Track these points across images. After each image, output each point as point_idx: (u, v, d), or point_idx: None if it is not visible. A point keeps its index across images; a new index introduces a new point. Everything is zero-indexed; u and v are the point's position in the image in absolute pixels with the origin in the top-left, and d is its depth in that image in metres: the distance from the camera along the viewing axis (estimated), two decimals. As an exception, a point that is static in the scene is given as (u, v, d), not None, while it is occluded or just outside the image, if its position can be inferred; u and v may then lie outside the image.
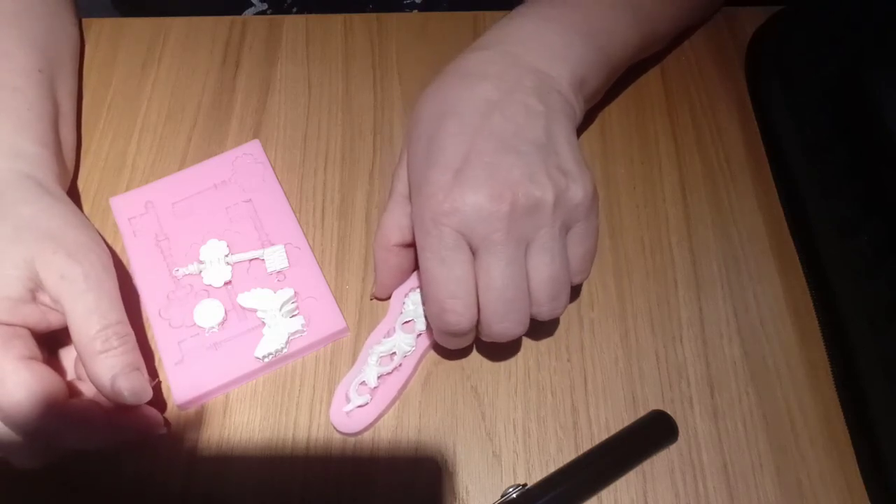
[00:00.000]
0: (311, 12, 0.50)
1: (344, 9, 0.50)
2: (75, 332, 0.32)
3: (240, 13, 0.53)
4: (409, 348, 0.37)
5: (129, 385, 0.32)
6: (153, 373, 0.37)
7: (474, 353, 0.38)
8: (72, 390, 0.34)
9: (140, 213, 0.41)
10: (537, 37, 0.36)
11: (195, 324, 0.37)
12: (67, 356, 0.36)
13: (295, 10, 0.54)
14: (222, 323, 0.38)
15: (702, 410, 0.37)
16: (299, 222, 0.41)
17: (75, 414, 0.32)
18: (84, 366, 0.32)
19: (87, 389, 0.35)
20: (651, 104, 0.46)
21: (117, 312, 0.33)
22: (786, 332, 0.38)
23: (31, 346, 0.33)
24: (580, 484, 0.34)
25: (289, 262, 0.39)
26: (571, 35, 0.36)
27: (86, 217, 0.37)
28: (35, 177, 0.37)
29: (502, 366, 0.38)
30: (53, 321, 0.34)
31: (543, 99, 0.33)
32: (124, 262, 0.40)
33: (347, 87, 0.47)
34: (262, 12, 0.54)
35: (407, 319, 0.38)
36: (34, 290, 0.33)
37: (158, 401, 0.37)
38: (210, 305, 0.38)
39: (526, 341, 0.38)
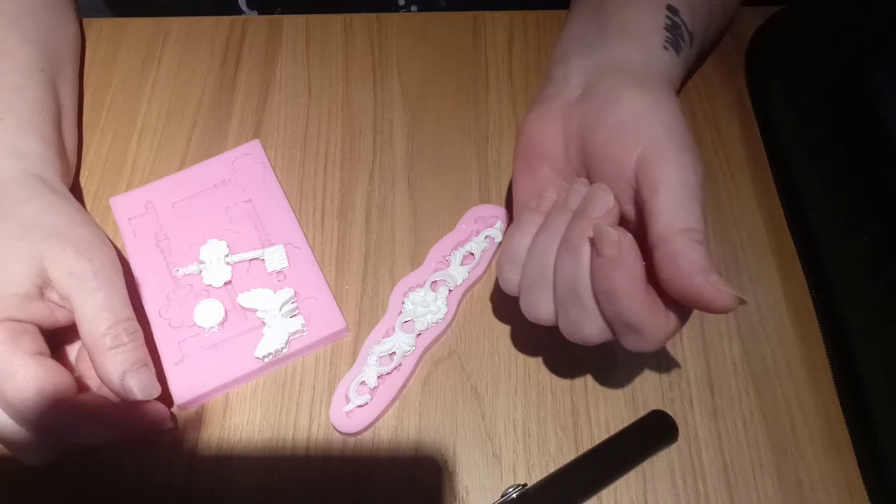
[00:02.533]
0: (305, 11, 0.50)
1: (343, 10, 0.50)
2: (85, 329, 0.33)
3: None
4: (408, 348, 0.37)
5: (139, 382, 0.32)
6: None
7: (474, 354, 0.38)
8: (80, 386, 0.34)
9: (140, 213, 0.41)
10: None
11: (195, 324, 0.37)
12: (72, 353, 0.36)
13: (279, 9, 0.54)
14: (222, 323, 0.38)
15: (702, 410, 0.37)
16: (299, 222, 0.41)
17: (84, 409, 0.32)
18: (93, 362, 0.33)
19: (92, 385, 0.35)
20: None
21: (126, 309, 0.34)
22: (786, 332, 0.38)
23: (40, 343, 0.33)
24: (580, 484, 0.34)
25: (289, 262, 0.39)
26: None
27: (90, 215, 0.38)
28: (40, 175, 0.37)
29: (502, 366, 0.38)
30: (61, 318, 0.34)
31: None
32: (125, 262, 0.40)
33: (347, 87, 0.47)
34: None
35: (406, 319, 0.38)
36: (42, 286, 0.33)
37: (162, 395, 0.37)
38: (210, 305, 0.38)
39: (526, 340, 0.38)
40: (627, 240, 0.27)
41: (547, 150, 0.33)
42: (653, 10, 0.35)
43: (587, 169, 0.32)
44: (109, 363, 0.32)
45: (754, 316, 0.39)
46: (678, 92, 0.37)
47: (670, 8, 0.36)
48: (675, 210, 0.28)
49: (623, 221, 0.31)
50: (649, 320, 0.28)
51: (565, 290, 0.30)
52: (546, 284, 0.30)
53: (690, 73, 0.46)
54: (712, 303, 0.26)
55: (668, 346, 0.38)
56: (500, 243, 0.40)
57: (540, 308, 0.31)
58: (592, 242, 0.28)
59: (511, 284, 0.32)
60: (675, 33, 0.35)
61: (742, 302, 0.27)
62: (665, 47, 0.34)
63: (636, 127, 0.30)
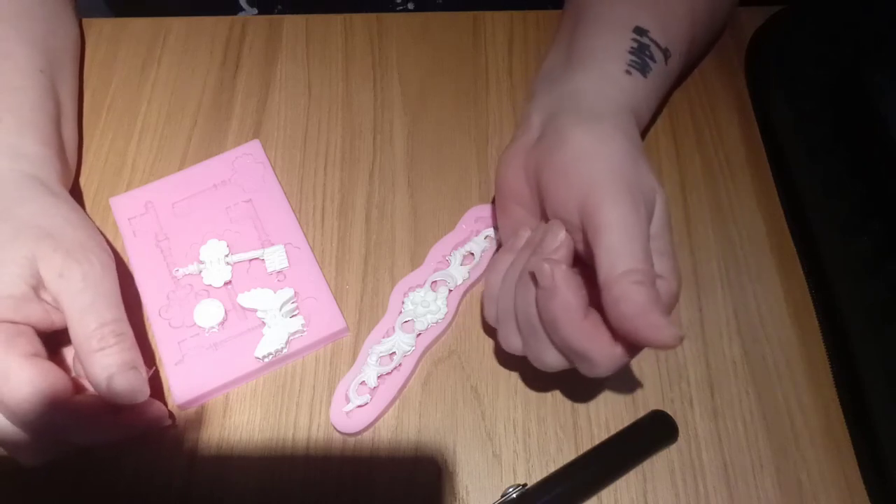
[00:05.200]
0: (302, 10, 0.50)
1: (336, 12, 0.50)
2: (73, 330, 0.33)
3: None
4: (408, 348, 0.37)
5: (125, 383, 0.32)
6: (150, 365, 0.37)
7: (474, 354, 0.38)
8: (76, 387, 0.34)
9: (140, 213, 0.41)
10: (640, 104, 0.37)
11: (195, 324, 0.37)
12: (70, 355, 0.36)
13: (279, 7, 0.54)
14: (222, 323, 0.38)
15: (702, 410, 0.37)
16: (299, 222, 0.41)
17: (80, 410, 0.32)
18: (81, 364, 0.33)
19: (89, 386, 0.35)
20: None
21: (114, 311, 0.33)
22: (786, 332, 0.38)
23: (36, 344, 0.33)
24: (580, 484, 0.34)
25: (289, 262, 0.39)
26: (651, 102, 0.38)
27: (88, 217, 0.37)
28: (37, 176, 0.37)
29: (502, 366, 0.38)
30: (57, 320, 0.34)
31: None
32: (124, 262, 0.40)
33: (347, 87, 0.47)
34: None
35: (406, 319, 0.38)
36: (37, 288, 0.33)
37: (156, 391, 0.37)
38: (210, 305, 0.38)
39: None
40: (560, 272, 0.29)
41: (515, 191, 0.35)
42: (617, 35, 0.36)
43: (545, 210, 0.33)
44: (95, 365, 0.32)
45: (754, 316, 0.39)
46: (653, 110, 0.38)
47: (637, 30, 0.36)
48: (616, 253, 0.29)
49: (582, 259, 0.32)
50: (592, 347, 0.29)
51: (524, 322, 0.32)
52: (513, 318, 0.32)
53: (684, 77, 0.46)
54: (654, 343, 0.28)
55: (668, 346, 0.38)
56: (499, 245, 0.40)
57: (510, 340, 0.33)
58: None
59: (491, 318, 0.34)
60: (641, 55, 0.36)
61: (680, 342, 0.28)
62: (628, 72, 0.35)
63: (577, 170, 0.31)
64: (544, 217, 0.34)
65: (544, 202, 0.33)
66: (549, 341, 0.31)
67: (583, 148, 0.31)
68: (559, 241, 0.31)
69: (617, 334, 0.29)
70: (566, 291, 0.29)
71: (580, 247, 0.31)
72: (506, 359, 0.38)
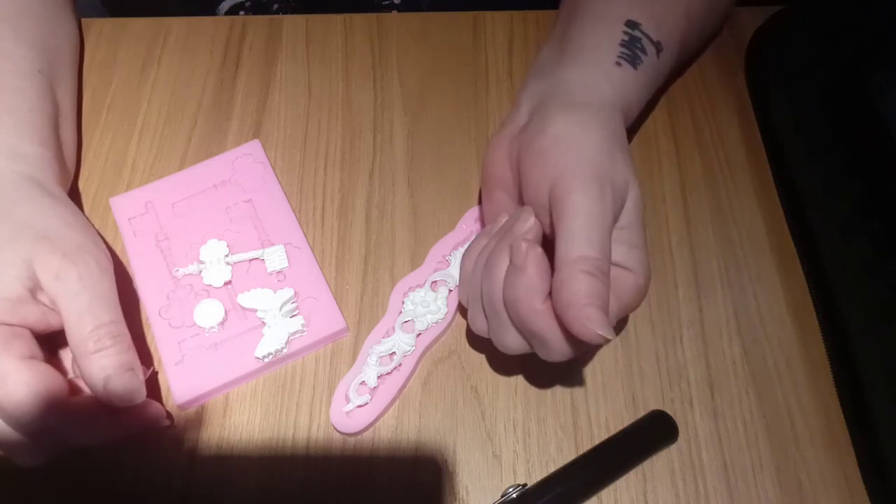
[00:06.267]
0: (293, 9, 0.50)
1: (328, 9, 0.50)
2: (69, 332, 0.32)
3: (218, 3, 0.53)
4: (408, 348, 0.37)
5: (122, 385, 0.32)
6: (149, 366, 0.37)
7: (474, 354, 0.38)
8: (73, 388, 0.34)
9: (140, 213, 0.41)
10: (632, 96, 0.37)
11: (195, 324, 0.37)
12: (68, 356, 0.36)
13: (276, 6, 0.54)
14: (222, 323, 0.38)
15: (702, 410, 0.37)
16: (299, 222, 0.41)
17: (77, 411, 0.32)
18: (78, 366, 0.32)
19: (86, 388, 0.35)
20: (650, 104, 0.46)
21: (111, 313, 0.33)
22: (786, 332, 0.38)
23: (32, 346, 0.33)
24: (580, 484, 0.34)
25: (289, 262, 0.39)
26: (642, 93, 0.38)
27: (86, 218, 0.37)
28: (35, 177, 0.37)
29: (502, 366, 0.38)
30: (53, 322, 0.34)
31: None
32: (124, 262, 0.40)
33: (347, 87, 0.47)
34: (240, 4, 0.53)
35: (406, 319, 0.38)
36: (33, 289, 0.33)
37: (155, 392, 0.37)
38: (210, 305, 0.38)
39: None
40: (534, 253, 0.30)
41: (499, 176, 0.35)
42: (609, 28, 0.37)
43: (521, 195, 0.34)
44: (93, 367, 0.32)
45: (754, 316, 0.39)
46: (647, 101, 0.39)
47: (629, 23, 0.37)
48: (573, 239, 0.29)
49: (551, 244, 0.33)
50: (548, 330, 0.30)
51: (487, 303, 0.32)
52: (480, 299, 0.33)
53: (679, 73, 0.46)
54: (578, 335, 0.28)
55: (669, 346, 0.38)
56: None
57: (477, 321, 0.34)
58: (510, 258, 0.31)
59: (464, 299, 0.35)
60: (632, 47, 0.36)
61: (606, 340, 0.28)
62: (618, 63, 0.36)
63: (552, 155, 0.32)
64: (523, 203, 0.34)
65: (522, 188, 0.33)
66: (510, 323, 0.31)
67: (561, 134, 0.32)
68: (528, 227, 0.32)
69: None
70: (535, 273, 0.29)
71: (548, 231, 0.32)
72: (506, 359, 0.38)
